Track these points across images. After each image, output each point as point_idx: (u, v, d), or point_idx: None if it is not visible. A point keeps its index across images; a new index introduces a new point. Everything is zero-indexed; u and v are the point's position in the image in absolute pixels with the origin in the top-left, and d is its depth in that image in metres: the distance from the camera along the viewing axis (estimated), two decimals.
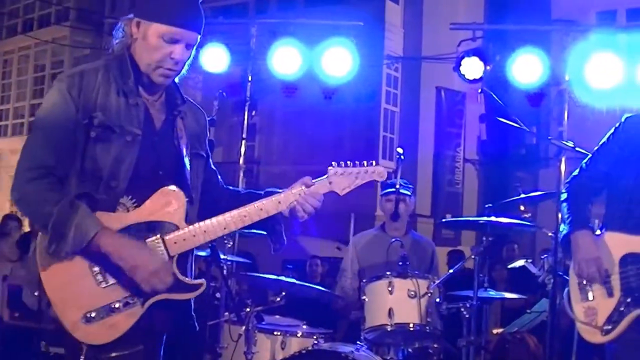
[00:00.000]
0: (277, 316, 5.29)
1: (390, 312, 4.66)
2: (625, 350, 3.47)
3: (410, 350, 4.94)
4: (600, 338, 3.52)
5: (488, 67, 7.27)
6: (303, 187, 2.94)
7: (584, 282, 3.59)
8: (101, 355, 2.70)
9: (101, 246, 2.66)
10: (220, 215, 2.86)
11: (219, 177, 3.21)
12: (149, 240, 2.77)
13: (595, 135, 3.89)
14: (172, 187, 2.84)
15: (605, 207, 3.72)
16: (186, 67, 2.94)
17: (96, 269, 2.71)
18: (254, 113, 7.68)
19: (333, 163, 2.99)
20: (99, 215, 2.70)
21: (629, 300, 3.47)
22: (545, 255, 6.29)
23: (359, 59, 7.47)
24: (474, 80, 7.33)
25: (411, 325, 4.67)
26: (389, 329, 4.68)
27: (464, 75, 7.30)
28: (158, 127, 2.92)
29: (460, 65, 7.28)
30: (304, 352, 4.62)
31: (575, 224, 3.65)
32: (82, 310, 2.68)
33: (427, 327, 4.69)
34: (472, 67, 7.25)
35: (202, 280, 2.89)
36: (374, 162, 3.00)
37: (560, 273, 5.72)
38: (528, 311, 7.01)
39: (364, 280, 4.94)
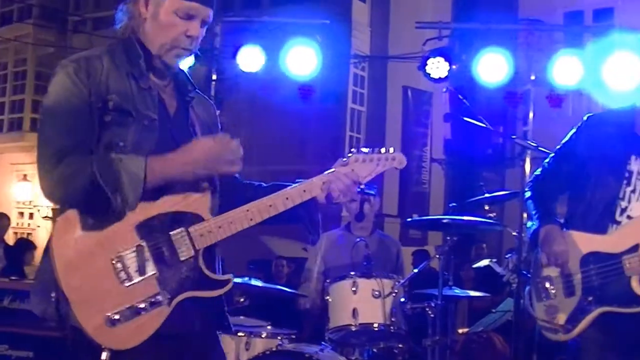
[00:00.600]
0: (242, 317, 5.25)
1: (354, 312, 4.63)
2: (587, 348, 3.48)
3: (375, 350, 4.92)
4: (562, 337, 3.54)
5: (454, 67, 7.29)
6: (327, 174, 2.78)
7: (545, 280, 3.60)
8: None
9: (159, 170, 2.51)
10: (245, 205, 2.69)
11: None
12: (173, 233, 2.59)
13: (560, 134, 3.89)
14: None
15: (566, 206, 3.73)
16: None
17: (119, 265, 2.50)
18: (218, 112, 7.58)
19: (352, 149, 2.84)
20: None
21: (590, 299, 3.47)
22: (510, 255, 6.31)
23: (326, 58, 7.45)
24: (439, 80, 7.35)
25: (375, 325, 4.65)
26: (353, 329, 4.66)
27: (429, 74, 7.31)
28: (172, 113, 2.74)
29: (425, 64, 7.29)
30: (268, 352, 4.58)
31: (543, 218, 3.66)
32: (106, 312, 2.48)
33: (392, 327, 4.67)
34: (438, 67, 7.26)
35: (229, 276, 2.70)
36: (391, 149, 2.84)
37: (525, 272, 5.73)
38: (493, 310, 7.03)
39: (328, 281, 4.92)
